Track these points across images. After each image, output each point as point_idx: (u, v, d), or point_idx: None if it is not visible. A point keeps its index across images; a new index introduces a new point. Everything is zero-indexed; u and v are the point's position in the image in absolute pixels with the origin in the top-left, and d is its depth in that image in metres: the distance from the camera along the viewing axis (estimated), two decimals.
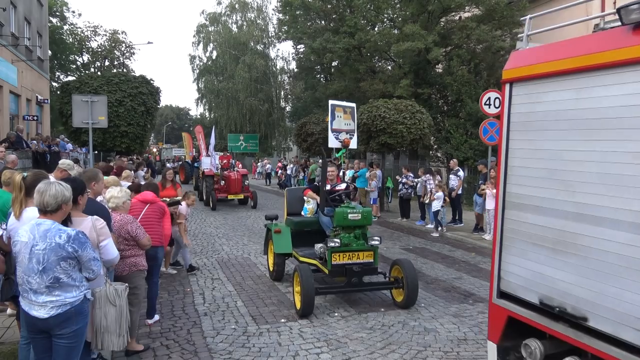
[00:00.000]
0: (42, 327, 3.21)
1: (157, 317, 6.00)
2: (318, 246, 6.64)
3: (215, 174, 18.12)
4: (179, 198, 8.84)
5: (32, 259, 3.14)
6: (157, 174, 32.51)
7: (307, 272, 6.13)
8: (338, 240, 6.30)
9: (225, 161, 18.82)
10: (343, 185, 7.91)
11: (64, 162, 6.59)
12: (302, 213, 7.80)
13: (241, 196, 17.98)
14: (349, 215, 6.32)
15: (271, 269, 7.95)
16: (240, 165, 19.81)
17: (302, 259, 7.11)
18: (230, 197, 17.79)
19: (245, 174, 18.48)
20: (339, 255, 6.33)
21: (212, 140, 19.24)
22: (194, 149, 29.88)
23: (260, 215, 16.13)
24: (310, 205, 7.67)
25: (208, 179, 18.30)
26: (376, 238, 6.53)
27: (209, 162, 18.73)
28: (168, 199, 8.44)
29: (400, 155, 20.31)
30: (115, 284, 3.94)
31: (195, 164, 25.38)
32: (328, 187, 7.60)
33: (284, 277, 7.82)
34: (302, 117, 26.67)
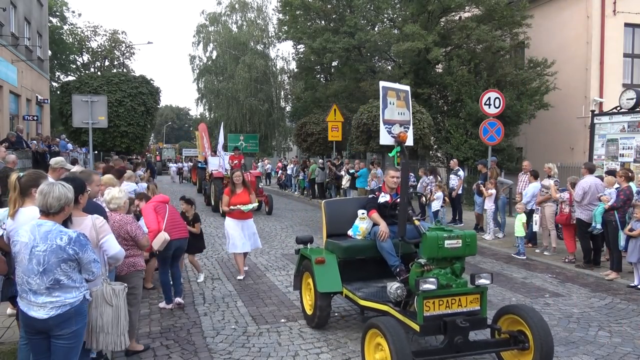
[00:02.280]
0: (41, 327, 3.21)
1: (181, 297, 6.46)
2: (394, 287, 4.67)
3: (224, 175, 16.07)
4: (256, 204, 8.25)
5: (32, 259, 3.14)
6: (158, 175, 32.51)
7: (399, 333, 3.99)
8: (434, 280, 4.23)
9: (236, 162, 16.87)
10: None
11: (55, 161, 6.59)
12: (350, 234, 5.91)
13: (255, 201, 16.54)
14: (446, 243, 4.34)
15: (309, 312, 5.79)
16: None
17: (363, 302, 5.12)
18: None
19: (259, 176, 16.81)
20: (434, 303, 4.31)
21: (221, 139, 17.82)
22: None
23: (261, 215, 16.11)
24: (364, 224, 5.77)
25: (216, 182, 16.52)
26: (484, 275, 4.47)
27: (217, 163, 17.10)
28: (243, 207, 7.86)
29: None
30: (114, 284, 3.93)
31: (199, 165, 25.08)
32: (385, 197, 5.83)
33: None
34: (302, 117, 26.66)
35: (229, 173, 15.55)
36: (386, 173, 6.17)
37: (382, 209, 5.74)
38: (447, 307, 4.36)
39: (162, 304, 6.45)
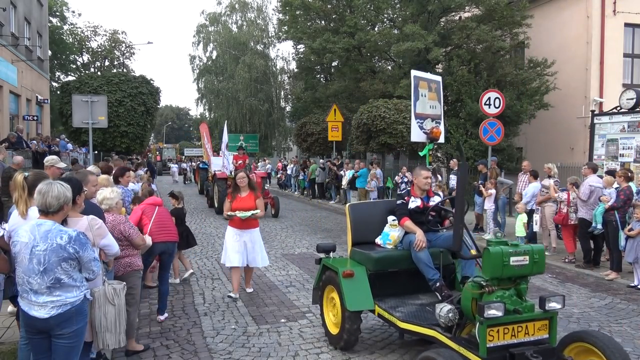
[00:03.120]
0: (42, 327, 3.21)
1: (166, 314, 6.08)
2: (445, 310, 4.02)
3: (228, 176, 15.45)
4: (257, 212, 6.76)
5: (33, 259, 3.14)
6: (158, 175, 32.35)
7: None
8: (501, 305, 3.62)
9: (240, 162, 16.16)
10: (436, 199, 5.33)
11: (47, 159, 6.60)
12: (379, 242, 5.28)
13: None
14: (512, 260, 3.70)
15: (334, 331, 5.12)
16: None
17: (404, 325, 4.44)
18: None
19: (264, 176, 16.14)
20: (499, 331, 3.70)
21: (225, 138, 17.21)
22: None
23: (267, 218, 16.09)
24: (395, 232, 5.14)
25: (220, 183, 15.91)
26: (556, 298, 3.85)
27: (221, 163, 16.48)
28: (240, 213, 6.65)
29: (400, 155, 20.33)
30: (113, 283, 3.97)
31: (201, 165, 24.93)
32: (415, 202, 5.19)
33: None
34: (302, 117, 26.68)
35: (233, 174, 14.74)
36: (416, 174, 5.39)
37: (414, 215, 5.11)
38: (513, 336, 3.73)
39: None
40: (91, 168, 7.10)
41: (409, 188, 5.53)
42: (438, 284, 4.72)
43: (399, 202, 5.30)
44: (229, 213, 6.79)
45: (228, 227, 7.02)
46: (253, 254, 6.90)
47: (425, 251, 4.80)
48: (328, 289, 5.28)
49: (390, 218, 5.23)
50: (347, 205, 5.69)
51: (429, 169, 5.48)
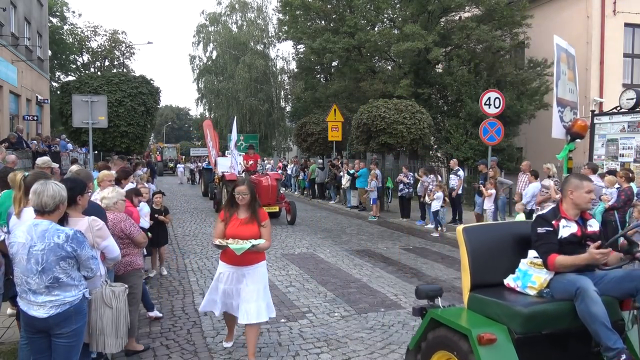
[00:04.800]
0: (42, 326, 3.21)
1: (158, 313, 6.06)
2: None
3: (238, 177, 13.02)
4: (261, 242, 4.60)
5: (31, 259, 3.14)
6: (159, 176, 32.26)
7: None
8: None
9: (251, 162, 14.84)
10: (595, 226, 3.56)
11: (41, 161, 6.62)
12: (513, 285, 3.53)
13: (276, 208, 13.75)
14: None
15: None
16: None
17: None
18: None
19: (279, 178, 15.00)
20: None
21: (234, 136, 15.83)
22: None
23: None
24: (542, 274, 3.44)
25: (229, 185, 14.12)
26: None
27: (229, 163, 15.44)
28: (232, 244, 4.44)
29: (400, 155, 20.33)
30: (114, 286, 3.90)
31: (205, 166, 24.63)
32: (570, 228, 3.46)
33: None
34: (302, 117, 26.67)
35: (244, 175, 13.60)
36: (574, 186, 3.53)
37: (566, 247, 3.42)
38: None
39: None
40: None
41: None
42: (624, 357, 3.00)
43: (541, 230, 3.47)
44: (218, 241, 4.59)
45: (220, 263, 4.82)
46: (246, 303, 4.60)
47: (601, 304, 3.08)
48: (438, 356, 3.47)
49: (533, 254, 3.53)
50: (461, 228, 3.75)
51: (590, 180, 3.59)
